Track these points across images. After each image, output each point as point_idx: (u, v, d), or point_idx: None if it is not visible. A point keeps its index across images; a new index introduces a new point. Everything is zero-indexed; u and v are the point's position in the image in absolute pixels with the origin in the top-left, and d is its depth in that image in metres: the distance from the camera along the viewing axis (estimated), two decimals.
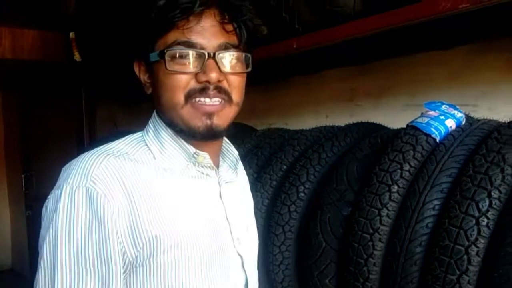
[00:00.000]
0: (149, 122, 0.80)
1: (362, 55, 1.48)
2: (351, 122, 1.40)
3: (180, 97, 0.72)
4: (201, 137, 0.75)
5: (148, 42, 0.74)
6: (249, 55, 0.76)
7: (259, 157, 1.41)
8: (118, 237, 0.67)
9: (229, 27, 0.74)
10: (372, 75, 1.67)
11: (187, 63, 0.72)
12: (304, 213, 1.17)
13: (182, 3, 0.70)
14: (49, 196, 0.70)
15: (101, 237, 0.66)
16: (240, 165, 0.93)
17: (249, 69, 0.77)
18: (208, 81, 0.71)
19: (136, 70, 0.80)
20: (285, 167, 1.28)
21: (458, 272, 0.84)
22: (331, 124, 1.47)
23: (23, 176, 3.90)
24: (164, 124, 0.78)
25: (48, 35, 3.05)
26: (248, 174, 1.02)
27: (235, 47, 0.74)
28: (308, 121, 1.79)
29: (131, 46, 0.80)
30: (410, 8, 0.97)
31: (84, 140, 2.60)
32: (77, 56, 2.19)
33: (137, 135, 0.79)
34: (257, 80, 1.78)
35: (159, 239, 0.69)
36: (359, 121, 1.40)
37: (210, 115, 0.73)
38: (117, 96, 2.73)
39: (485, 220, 0.83)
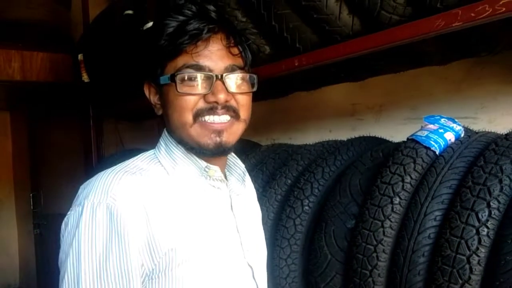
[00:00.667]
0: (160, 140, 0.84)
1: (362, 71, 1.52)
2: (353, 136, 1.43)
3: (189, 117, 0.76)
4: (211, 153, 0.79)
5: (158, 66, 0.78)
6: (254, 76, 0.81)
7: (264, 172, 1.44)
8: (137, 251, 0.70)
9: (235, 50, 0.78)
10: (373, 90, 1.71)
11: (196, 85, 0.76)
12: (309, 226, 1.19)
13: (191, 30, 0.74)
14: (69, 213, 0.73)
15: (120, 251, 0.69)
16: (248, 177, 0.96)
17: (255, 89, 0.81)
18: (216, 102, 0.75)
19: (146, 92, 0.84)
20: (289, 181, 1.31)
21: (460, 281, 0.86)
22: (334, 139, 1.51)
23: (31, 195, 3.94)
24: (175, 142, 0.81)
25: (56, 57, 3.14)
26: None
27: (241, 69, 0.79)
28: (311, 136, 1.82)
29: (142, 70, 0.84)
30: (406, 27, 1.01)
31: (92, 159, 2.64)
32: (85, 77, 2.25)
33: (150, 153, 0.83)
34: (261, 96, 1.83)
35: (175, 252, 0.72)
36: (361, 135, 1.43)
37: (219, 132, 0.77)
38: (122, 115, 2.79)
39: (485, 229, 0.85)
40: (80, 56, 2.24)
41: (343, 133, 1.65)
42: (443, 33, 0.99)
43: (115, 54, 1.92)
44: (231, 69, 0.77)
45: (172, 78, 0.76)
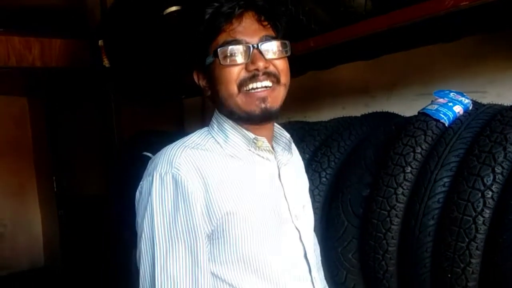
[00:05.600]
0: (213, 119, 0.94)
1: (375, 49, 1.58)
2: (367, 113, 1.51)
3: (234, 88, 0.85)
4: (258, 120, 0.88)
5: (202, 50, 0.87)
6: (287, 42, 0.88)
7: None
8: (200, 211, 0.81)
9: (266, 23, 0.86)
10: (385, 67, 1.77)
11: (236, 57, 0.84)
12: (326, 196, 1.29)
13: (224, 11, 0.83)
14: (141, 183, 0.85)
15: (187, 211, 0.80)
16: (294, 146, 1.04)
17: (289, 53, 0.89)
18: (257, 69, 0.84)
19: (196, 78, 0.93)
20: (307, 155, 1.39)
21: (467, 240, 0.94)
22: (348, 115, 1.58)
23: (54, 178, 4.09)
24: (225, 117, 0.90)
25: (73, 43, 3.23)
26: None
27: (274, 38, 0.87)
28: (325, 113, 1.90)
29: (188, 59, 0.93)
30: (417, 6, 1.07)
31: (113, 142, 2.74)
32: (106, 62, 2.34)
33: (204, 130, 0.93)
34: None
35: (230, 215, 0.83)
36: (374, 111, 1.51)
37: (263, 99, 0.85)
38: (141, 99, 2.88)
39: (490, 192, 0.94)
40: (100, 42, 2.32)
41: (356, 110, 1.71)
42: (451, 12, 1.05)
43: (136, 39, 2.00)
44: (265, 39, 0.85)
45: (215, 53, 0.84)
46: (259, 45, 0.84)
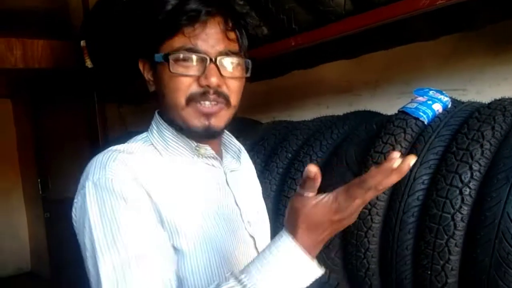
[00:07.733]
0: (152, 123, 0.85)
1: (357, 48, 1.58)
2: (350, 111, 1.51)
3: (182, 100, 0.76)
4: (199, 136, 0.80)
5: (154, 43, 0.77)
6: (249, 61, 0.81)
7: (265, 147, 1.53)
8: (149, 209, 0.71)
9: (232, 35, 0.78)
10: (367, 66, 1.78)
11: (190, 67, 0.75)
12: None
13: (189, 11, 0.74)
14: (75, 200, 0.74)
15: (130, 209, 0.69)
16: (244, 155, 0.98)
17: (248, 74, 0.81)
18: (208, 85, 0.75)
19: (141, 67, 0.82)
20: (290, 155, 1.40)
21: (446, 237, 0.95)
22: (331, 114, 1.59)
23: (39, 180, 4.04)
24: (166, 124, 0.82)
25: (56, 43, 3.19)
26: (256, 164, 1.12)
27: (236, 54, 0.78)
28: (310, 112, 1.89)
29: (137, 45, 0.83)
30: (395, 5, 1.08)
31: (98, 142, 2.72)
32: (88, 63, 2.31)
33: (143, 135, 0.84)
34: (260, 76, 1.90)
35: (176, 225, 0.74)
36: (357, 110, 1.51)
37: (208, 116, 0.77)
38: (126, 98, 2.86)
39: (468, 190, 0.94)
40: (82, 43, 2.29)
41: (340, 109, 1.71)
42: (428, 10, 1.05)
43: (118, 39, 1.98)
44: (225, 54, 0.77)
45: (166, 57, 0.75)
46: (218, 59, 0.76)
